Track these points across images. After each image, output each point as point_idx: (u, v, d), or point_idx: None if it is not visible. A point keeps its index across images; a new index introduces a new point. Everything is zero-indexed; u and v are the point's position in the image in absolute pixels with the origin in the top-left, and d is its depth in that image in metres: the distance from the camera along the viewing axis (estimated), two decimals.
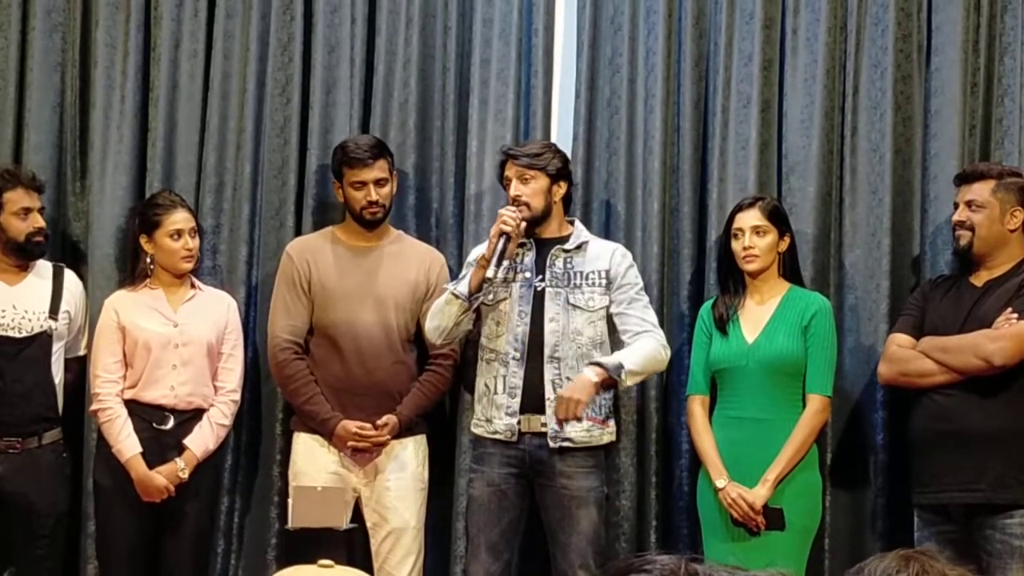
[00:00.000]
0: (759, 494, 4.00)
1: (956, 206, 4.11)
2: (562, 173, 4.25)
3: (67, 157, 4.72)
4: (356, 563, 3.77)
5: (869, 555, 1.51)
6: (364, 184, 4.32)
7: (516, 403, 4.13)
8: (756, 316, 4.18)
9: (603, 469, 4.25)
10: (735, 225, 4.19)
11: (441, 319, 4.14)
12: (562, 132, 4.70)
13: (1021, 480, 3.86)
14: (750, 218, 4.17)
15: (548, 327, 4.15)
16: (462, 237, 4.62)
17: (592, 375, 4.02)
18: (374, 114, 4.68)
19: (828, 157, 4.55)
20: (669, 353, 4.25)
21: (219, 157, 4.67)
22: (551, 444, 4.12)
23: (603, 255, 4.25)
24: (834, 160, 4.57)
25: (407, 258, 4.40)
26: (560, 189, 4.24)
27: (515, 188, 4.17)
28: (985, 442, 3.87)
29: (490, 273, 4.05)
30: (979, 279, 4.07)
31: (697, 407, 4.22)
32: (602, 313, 4.20)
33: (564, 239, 4.25)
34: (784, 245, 4.21)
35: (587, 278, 4.21)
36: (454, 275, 4.49)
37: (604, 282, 4.21)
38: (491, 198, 4.60)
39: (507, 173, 4.22)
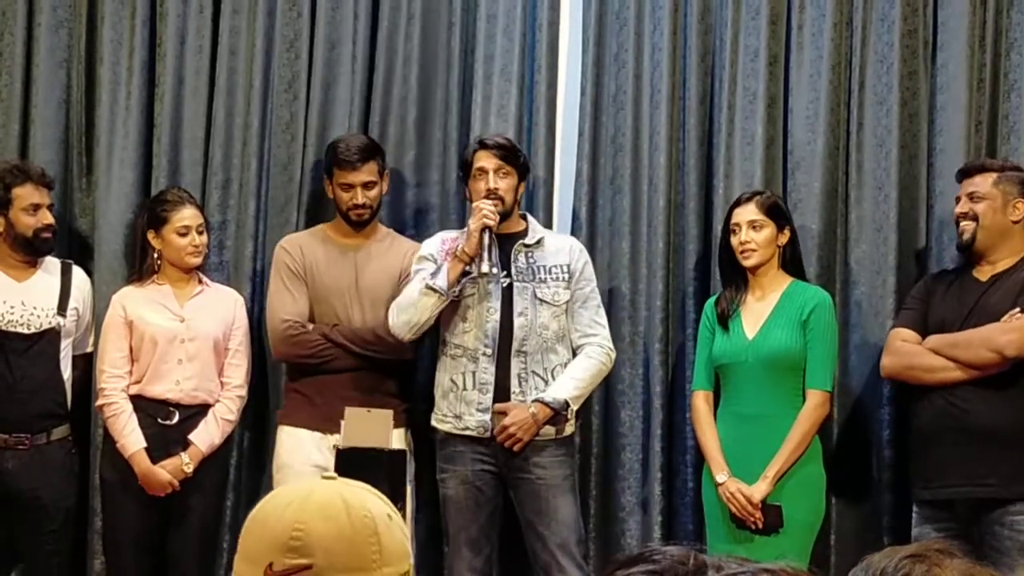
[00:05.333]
0: (758, 489, 4.00)
1: (958, 200, 4.11)
2: (527, 171, 4.33)
3: (73, 153, 4.72)
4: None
5: (875, 552, 1.50)
6: (352, 187, 4.31)
7: (488, 399, 4.14)
8: (757, 311, 4.17)
9: (573, 456, 4.28)
10: (732, 220, 4.19)
11: (414, 313, 4.11)
12: (567, 128, 4.70)
13: None
14: (746, 213, 4.17)
15: (517, 321, 4.16)
16: None
17: (537, 414, 4.09)
18: (373, 110, 4.67)
19: (834, 153, 4.55)
20: (614, 355, 4.29)
21: (225, 153, 4.67)
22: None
23: (562, 249, 4.27)
24: (840, 156, 4.57)
25: (393, 254, 4.39)
26: (522, 187, 4.30)
27: (493, 181, 4.17)
28: (994, 436, 3.87)
29: (485, 268, 4.05)
30: (983, 273, 4.07)
31: (701, 402, 4.22)
32: (564, 307, 4.22)
33: (522, 234, 4.26)
34: (784, 239, 4.21)
35: (551, 272, 4.22)
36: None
37: (567, 276, 4.23)
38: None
39: (481, 164, 4.19)
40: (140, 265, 4.37)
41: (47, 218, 4.26)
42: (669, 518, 4.51)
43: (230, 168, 4.67)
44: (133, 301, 4.30)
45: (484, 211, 4.08)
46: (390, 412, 3.79)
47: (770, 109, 4.56)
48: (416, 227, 4.65)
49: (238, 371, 4.35)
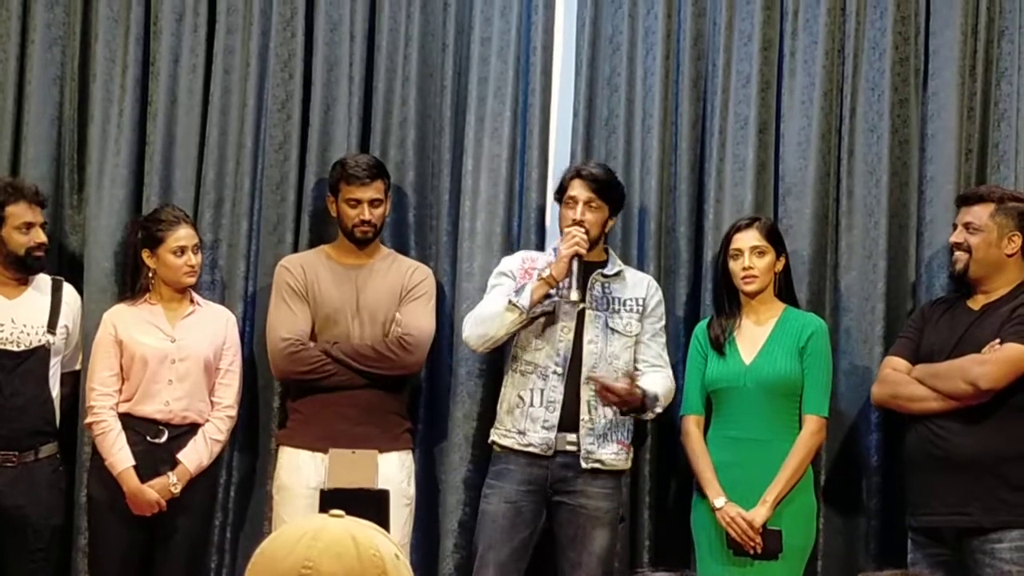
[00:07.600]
0: (759, 513, 4.01)
1: (955, 227, 4.13)
2: (621, 205, 4.33)
3: (65, 170, 4.70)
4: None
5: None
6: (359, 202, 4.32)
7: (555, 417, 4.14)
8: (753, 337, 4.18)
9: (621, 492, 4.27)
10: (733, 245, 4.20)
11: (490, 327, 4.14)
12: (559, 151, 4.72)
13: (1010, 504, 3.87)
14: (749, 238, 4.17)
15: (587, 348, 4.18)
16: (455, 255, 4.61)
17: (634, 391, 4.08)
18: (373, 132, 4.68)
19: (825, 179, 4.57)
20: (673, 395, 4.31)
21: (218, 172, 4.66)
22: (583, 464, 4.14)
23: (639, 284, 4.31)
24: (831, 182, 4.59)
25: (394, 273, 4.40)
26: (611, 223, 4.31)
27: (581, 212, 4.18)
28: (974, 466, 3.88)
29: (574, 296, 4.08)
30: (976, 303, 4.08)
31: (692, 427, 4.22)
32: (635, 339, 4.24)
33: (602, 264, 4.28)
34: (780, 265, 4.23)
35: (625, 304, 4.25)
36: (444, 291, 4.53)
37: (640, 310, 4.26)
38: (485, 216, 4.60)
39: (574, 193, 4.21)
40: (133, 284, 4.36)
41: (40, 237, 4.25)
42: (657, 543, 4.51)
43: (223, 187, 4.67)
44: (124, 320, 4.29)
45: (576, 238, 4.11)
46: (375, 452, 3.78)
47: (762, 135, 4.58)
48: (417, 247, 4.65)
49: (228, 391, 4.34)
